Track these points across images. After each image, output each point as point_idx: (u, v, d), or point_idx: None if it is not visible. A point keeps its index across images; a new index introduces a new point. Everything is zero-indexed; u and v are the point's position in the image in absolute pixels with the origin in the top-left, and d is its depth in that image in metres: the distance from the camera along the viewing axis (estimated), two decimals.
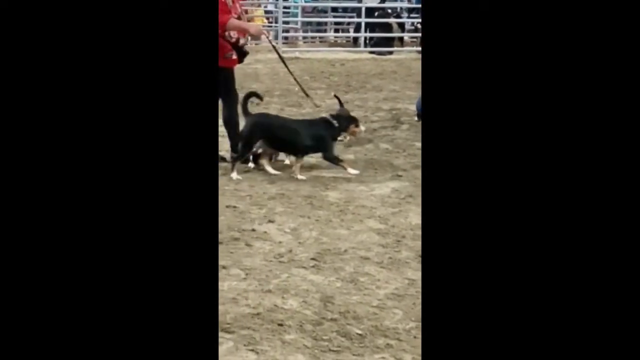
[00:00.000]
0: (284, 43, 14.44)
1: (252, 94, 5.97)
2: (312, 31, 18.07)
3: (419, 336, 3.16)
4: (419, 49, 11.79)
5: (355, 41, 16.06)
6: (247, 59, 6.33)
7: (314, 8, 18.71)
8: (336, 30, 18.04)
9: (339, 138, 5.94)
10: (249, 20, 7.77)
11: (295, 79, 6.44)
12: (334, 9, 18.17)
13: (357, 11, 16.65)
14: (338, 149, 6.09)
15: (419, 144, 6.70)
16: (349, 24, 17.78)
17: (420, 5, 13.11)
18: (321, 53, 14.21)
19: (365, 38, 15.47)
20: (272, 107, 8.27)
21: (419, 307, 3.44)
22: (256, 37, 6.54)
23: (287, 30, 15.94)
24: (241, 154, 5.73)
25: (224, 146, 6.11)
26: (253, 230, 4.47)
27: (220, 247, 4.14)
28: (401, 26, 15.98)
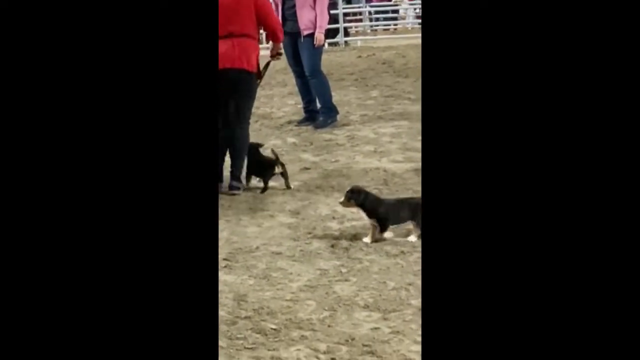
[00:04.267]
0: None
1: None
2: None
3: (333, 325, 3.20)
4: None
5: None
6: None
7: None
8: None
9: None
10: None
11: None
12: None
13: None
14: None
15: (326, 136, 6.77)
16: None
17: None
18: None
19: None
20: None
21: (332, 297, 3.48)
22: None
23: None
24: None
25: None
26: None
27: None
28: None
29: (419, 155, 5.93)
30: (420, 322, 3.15)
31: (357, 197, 4.16)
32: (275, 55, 5.73)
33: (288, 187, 5.25)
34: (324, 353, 2.96)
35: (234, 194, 5.20)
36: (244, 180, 5.37)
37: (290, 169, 5.54)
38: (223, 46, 5.07)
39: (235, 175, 5.28)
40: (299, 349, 2.99)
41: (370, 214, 4.16)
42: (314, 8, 7.12)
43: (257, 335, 3.12)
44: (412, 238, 4.13)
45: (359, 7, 15.96)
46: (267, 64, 5.71)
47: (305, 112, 7.55)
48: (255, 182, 5.38)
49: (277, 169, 5.23)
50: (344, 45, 13.67)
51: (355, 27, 15.46)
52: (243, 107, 5.33)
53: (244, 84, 5.29)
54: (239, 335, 3.11)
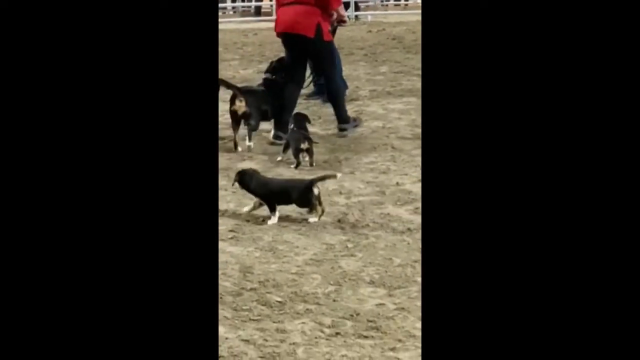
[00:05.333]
0: None
1: None
2: None
3: (338, 299, 3.21)
4: None
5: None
6: None
7: None
8: None
9: None
10: None
11: None
12: None
13: None
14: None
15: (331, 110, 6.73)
16: None
17: None
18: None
19: None
20: None
21: (338, 271, 3.49)
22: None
23: None
24: None
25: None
26: None
27: None
28: None
29: None
30: None
31: (243, 179, 4.29)
32: (339, 21, 6.10)
33: (310, 164, 5.24)
34: (329, 327, 2.97)
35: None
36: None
37: None
38: (284, 13, 5.81)
39: (338, 119, 5.98)
40: (303, 322, 3.01)
41: (256, 195, 4.27)
42: None
43: (263, 307, 3.13)
44: (312, 219, 4.15)
45: None
46: (334, 31, 6.15)
47: (314, 85, 7.52)
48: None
49: (304, 145, 5.22)
50: (354, 20, 13.57)
51: (366, 1, 15.37)
52: (318, 67, 6.12)
53: (305, 47, 5.81)
54: (244, 307, 3.13)
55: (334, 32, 6.17)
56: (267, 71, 6.08)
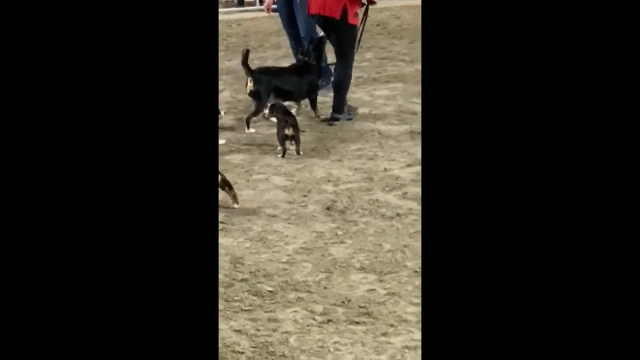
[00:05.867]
0: None
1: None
2: None
3: (329, 287, 3.23)
4: None
5: None
6: None
7: None
8: None
9: None
10: None
11: None
12: None
13: None
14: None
15: (321, 99, 6.73)
16: None
17: None
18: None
19: None
20: None
21: (328, 259, 3.50)
22: None
23: None
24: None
25: None
26: None
27: None
28: None
29: (413, 117, 5.92)
30: (415, 283, 3.17)
31: None
32: (369, 1, 6.24)
33: (297, 152, 5.21)
34: (321, 314, 2.99)
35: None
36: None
37: None
38: None
39: (334, 108, 6.05)
40: (295, 311, 3.02)
41: None
42: None
43: (254, 298, 3.14)
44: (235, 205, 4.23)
45: None
46: (366, 10, 6.27)
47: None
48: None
49: (288, 131, 5.19)
50: None
51: None
52: (339, 49, 6.14)
53: (332, 29, 6.04)
54: (235, 298, 3.14)
55: (366, 12, 6.28)
56: (301, 53, 6.34)
